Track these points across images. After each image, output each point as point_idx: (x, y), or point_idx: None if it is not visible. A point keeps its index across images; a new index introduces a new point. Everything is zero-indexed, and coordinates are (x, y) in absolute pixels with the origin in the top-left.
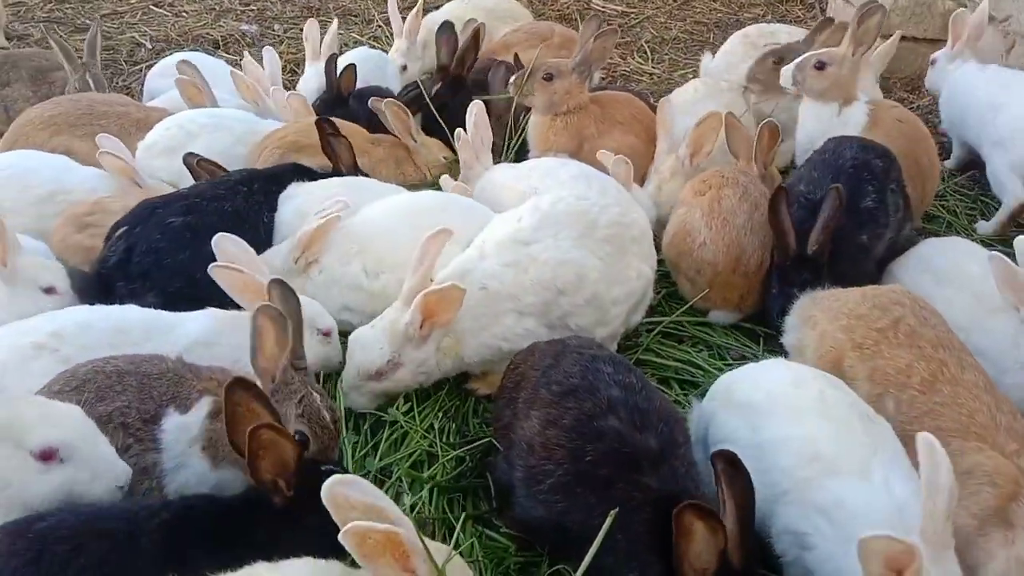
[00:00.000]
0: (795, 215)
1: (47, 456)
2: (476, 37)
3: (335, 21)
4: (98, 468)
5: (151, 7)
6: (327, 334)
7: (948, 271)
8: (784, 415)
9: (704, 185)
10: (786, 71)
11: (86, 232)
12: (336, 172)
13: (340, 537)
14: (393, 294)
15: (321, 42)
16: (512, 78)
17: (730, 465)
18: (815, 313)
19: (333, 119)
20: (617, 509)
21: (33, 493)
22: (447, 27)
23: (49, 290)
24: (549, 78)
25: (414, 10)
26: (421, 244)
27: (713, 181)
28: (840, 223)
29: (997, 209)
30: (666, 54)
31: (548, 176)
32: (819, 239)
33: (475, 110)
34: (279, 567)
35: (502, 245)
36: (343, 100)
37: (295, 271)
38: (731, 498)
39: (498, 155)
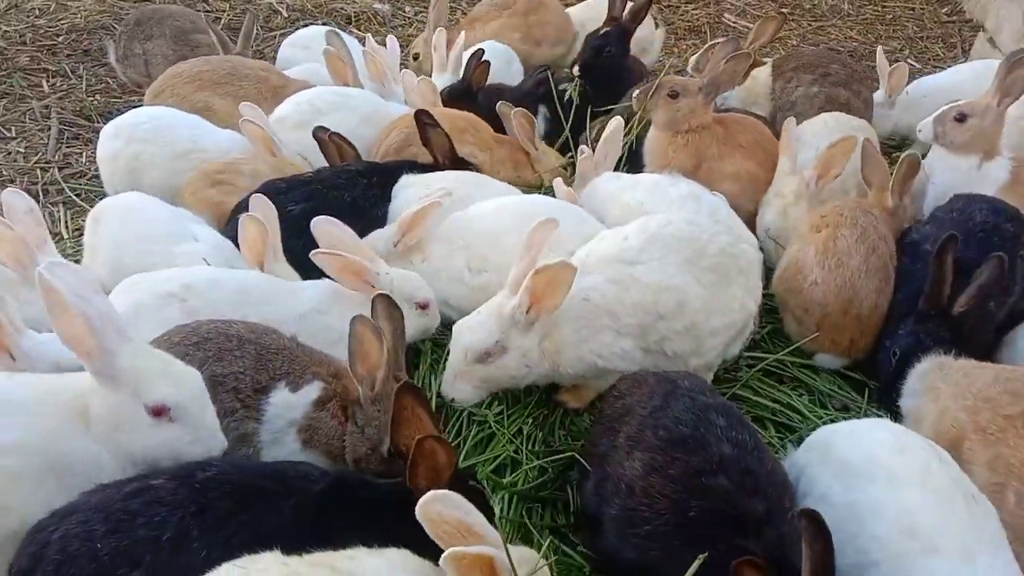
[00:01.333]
0: (920, 271)
1: (159, 412)
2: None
3: (462, 34)
4: (201, 434)
5: None
6: (424, 307)
7: None
8: (883, 480)
9: (822, 222)
10: (925, 124)
11: (217, 188)
12: (434, 162)
13: (440, 562)
14: (493, 292)
15: (448, 54)
16: (636, 92)
17: (813, 524)
18: (940, 385)
19: (452, 109)
20: (707, 553)
21: (137, 444)
22: None
23: None
24: (675, 96)
25: (457, 44)
26: (528, 234)
27: (831, 219)
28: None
29: None
30: None
31: (655, 192)
32: (969, 301)
33: (613, 125)
34: (383, 552)
35: (606, 261)
36: (472, 94)
37: (395, 254)
38: (808, 559)
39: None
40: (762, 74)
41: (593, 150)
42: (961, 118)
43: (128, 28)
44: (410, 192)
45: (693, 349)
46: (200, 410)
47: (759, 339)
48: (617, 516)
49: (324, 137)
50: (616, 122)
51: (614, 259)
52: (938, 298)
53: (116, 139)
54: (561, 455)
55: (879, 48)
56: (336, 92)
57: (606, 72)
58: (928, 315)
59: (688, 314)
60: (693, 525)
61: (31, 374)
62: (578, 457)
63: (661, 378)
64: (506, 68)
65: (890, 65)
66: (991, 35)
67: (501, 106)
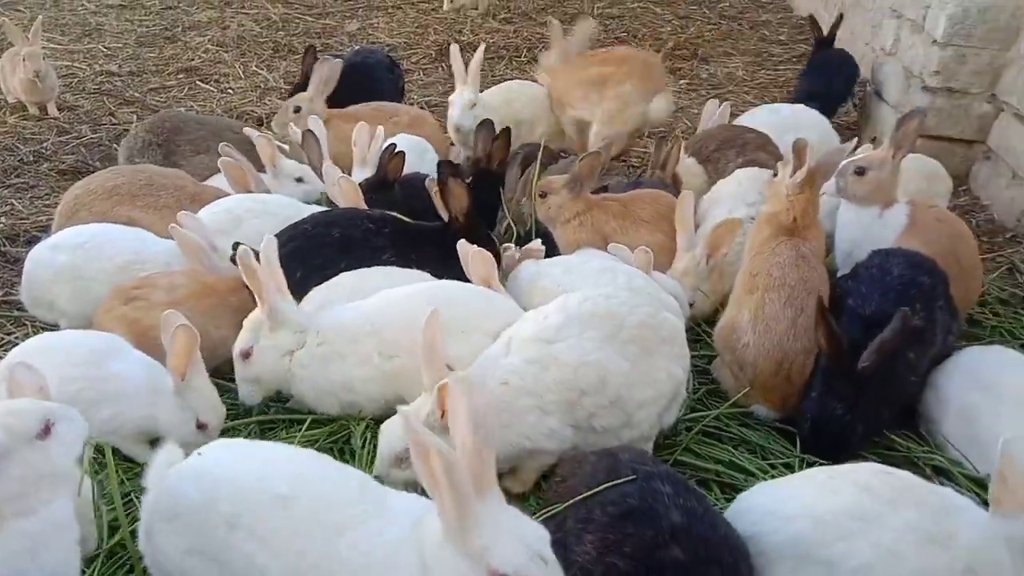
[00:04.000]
0: (846, 328)
1: None
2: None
3: (380, 129)
4: None
5: (197, 83)
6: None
7: (993, 381)
8: None
9: (753, 283)
10: (830, 182)
11: (131, 305)
12: (450, 218)
13: None
14: (405, 377)
15: (369, 147)
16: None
17: None
18: None
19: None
20: None
21: None
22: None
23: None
24: (543, 195)
25: (378, 138)
26: (422, 334)
27: (761, 281)
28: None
29: None
30: None
31: (571, 271)
32: (872, 357)
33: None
34: None
35: (526, 342)
36: (389, 185)
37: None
38: None
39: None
40: (690, 166)
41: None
42: (861, 172)
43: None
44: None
45: (623, 422)
46: None
47: (695, 401)
48: None
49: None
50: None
51: (533, 339)
52: (838, 357)
53: (57, 254)
54: None
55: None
56: (254, 199)
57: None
58: (833, 374)
59: (612, 388)
60: None
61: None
62: None
63: (601, 454)
64: (420, 159)
65: None
66: (877, 89)
67: (429, 182)
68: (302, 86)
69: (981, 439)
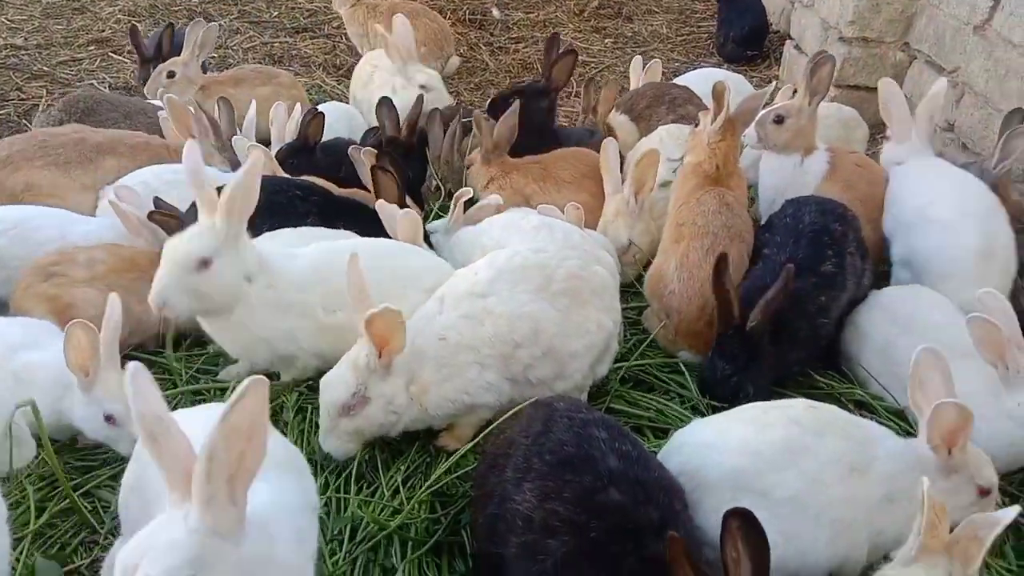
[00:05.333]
0: (762, 278)
1: None
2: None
3: (297, 106)
4: None
5: (110, 54)
6: None
7: (911, 319)
8: None
9: (680, 233)
10: (750, 131)
11: (50, 281)
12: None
13: None
14: (345, 332)
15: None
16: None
17: (746, 523)
18: None
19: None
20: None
21: None
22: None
23: None
24: (468, 165)
25: (295, 114)
26: (347, 281)
27: (686, 231)
28: (790, 297)
29: None
30: None
31: (509, 228)
32: (758, 316)
33: (464, 195)
34: None
35: (459, 298)
36: (310, 149)
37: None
38: (748, 557)
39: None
40: (623, 123)
41: None
42: (779, 120)
43: None
44: None
45: (557, 373)
46: None
47: (626, 351)
48: (517, 554)
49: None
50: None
51: (466, 294)
52: (727, 319)
53: None
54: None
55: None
56: (172, 170)
57: None
58: (723, 334)
59: (545, 339)
60: (595, 545)
61: None
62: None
63: (538, 404)
64: (347, 124)
65: None
66: (797, 43)
67: (353, 150)
68: (155, 58)
69: (899, 373)
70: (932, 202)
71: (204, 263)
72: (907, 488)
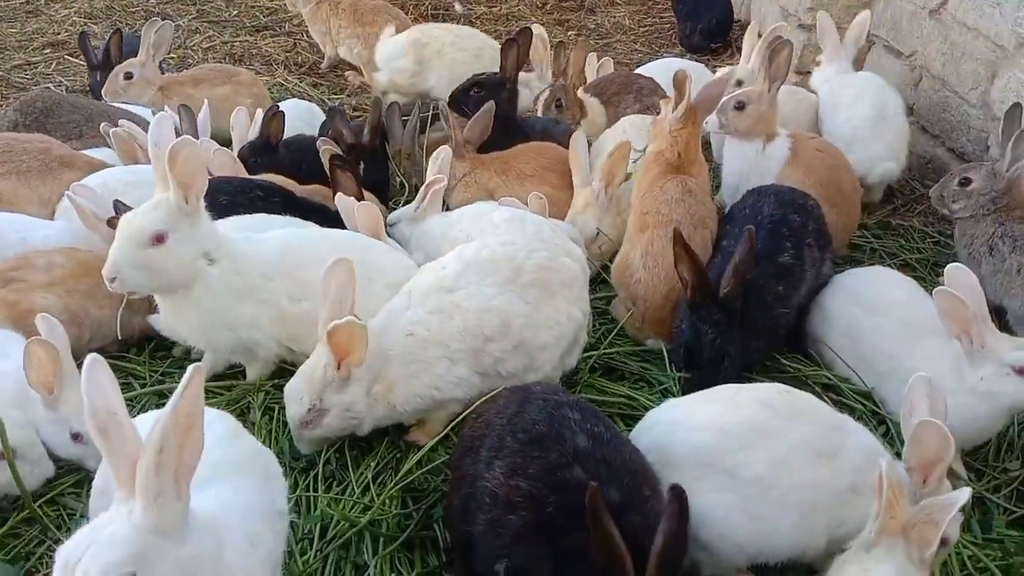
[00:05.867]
0: (721, 268)
1: None
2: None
3: (258, 112)
4: None
5: (66, 57)
6: None
7: (875, 300)
8: None
9: (644, 221)
10: (711, 117)
11: (9, 287)
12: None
13: None
14: (309, 322)
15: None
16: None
17: (677, 500)
18: None
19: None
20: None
21: None
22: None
23: None
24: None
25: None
26: (323, 279)
27: (651, 220)
28: (753, 269)
29: (920, 240)
30: None
31: (479, 221)
32: (730, 281)
33: (444, 162)
34: None
35: (427, 293)
36: (272, 148)
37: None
38: (661, 532)
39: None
40: (594, 104)
41: None
42: (740, 106)
43: None
44: None
45: (527, 365)
46: None
47: (595, 341)
48: (483, 531)
49: None
50: (444, 151)
51: (434, 289)
52: (698, 289)
53: None
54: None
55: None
56: (130, 171)
57: None
58: (698, 305)
59: (515, 332)
60: (552, 519)
61: None
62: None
63: (515, 388)
64: (309, 121)
65: None
66: (758, 29)
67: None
68: (104, 66)
69: (865, 354)
70: (842, 92)
71: (158, 238)
72: (871, 483)
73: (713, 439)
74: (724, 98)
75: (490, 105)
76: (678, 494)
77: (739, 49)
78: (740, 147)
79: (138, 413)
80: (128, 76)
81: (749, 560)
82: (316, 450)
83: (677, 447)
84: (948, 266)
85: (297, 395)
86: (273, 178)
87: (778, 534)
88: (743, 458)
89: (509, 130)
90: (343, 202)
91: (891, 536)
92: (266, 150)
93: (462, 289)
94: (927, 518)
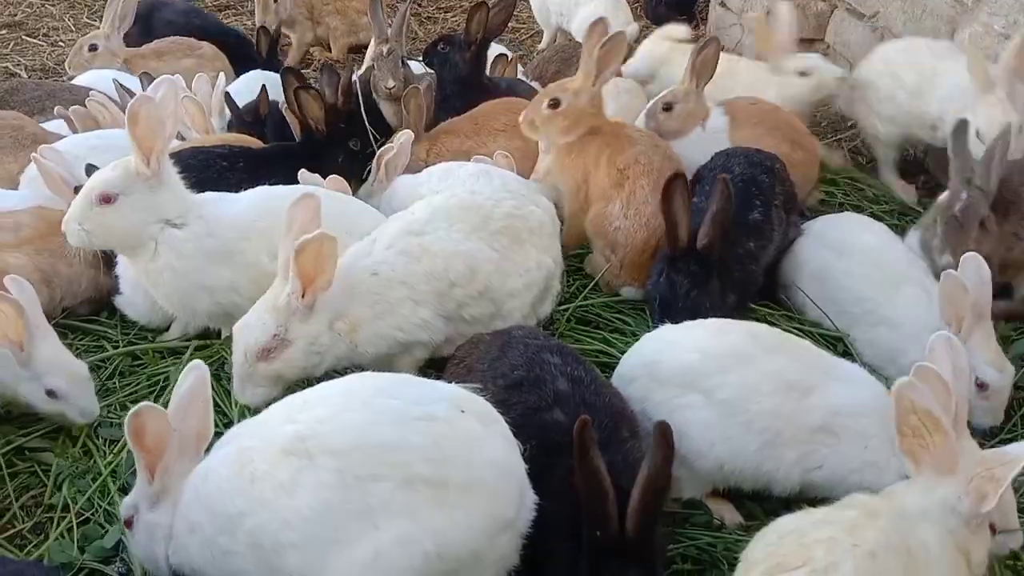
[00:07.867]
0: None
1: None
2: None
3: (221, 76)
4: None
5: (23, 37)
6: None
7: (845, 244)
8: None
9: (622, 176)
10: (640, 120)
11: None
12: (305, 129)
13: None
14: None
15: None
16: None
17: (661, 435)
18: None
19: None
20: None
21: None
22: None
23: None
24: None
25: (219, 85)
26: (288, 211)
27: (631, 172)
28: (728, 224)
29: (885, 199)
30: None
31: (447, 176)
32: (709, 232)
33: (402, 138)
34: None
35: (395, 236)
36: (261, 121)
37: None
38: (646, 466)
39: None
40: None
41: None
42: (668, 107)
43: None
44: None
45: (493, 312)
46: None
47: (571, 294)
48: None
49: None
50: (405, 134)
51: (402, 232)
52: (676, 240)
53: None
54: None
55: None
56: (98, 135)
57: None
58: (676, 257)
59: (481, 278)
60: (528, 461)
61: None
62: None
63: (496, 333)
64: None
65: None
66: (722, 0)
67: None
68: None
69: (835, 297)
70: None
71: (105, 198)
72: (855, 431)
73: (696, 359)
74: (649, 103)
75: (427, 84)
76: (663, 431)
77: (704, 19)
78: (685, 141)
79: (110, 376)
80: (92, 47)
81: (724, 480)
82: (264, 401)
83: (665, 364)
84: (964, 256)
85: (259, 322)
86: (227, 137)
87: (745, 456)
88: (718, 380)
89: (472, 89)
90: (306, 178)
91: (932, 471)
92: (255, 125)
93: (430, 234)
94: (987, 474)
